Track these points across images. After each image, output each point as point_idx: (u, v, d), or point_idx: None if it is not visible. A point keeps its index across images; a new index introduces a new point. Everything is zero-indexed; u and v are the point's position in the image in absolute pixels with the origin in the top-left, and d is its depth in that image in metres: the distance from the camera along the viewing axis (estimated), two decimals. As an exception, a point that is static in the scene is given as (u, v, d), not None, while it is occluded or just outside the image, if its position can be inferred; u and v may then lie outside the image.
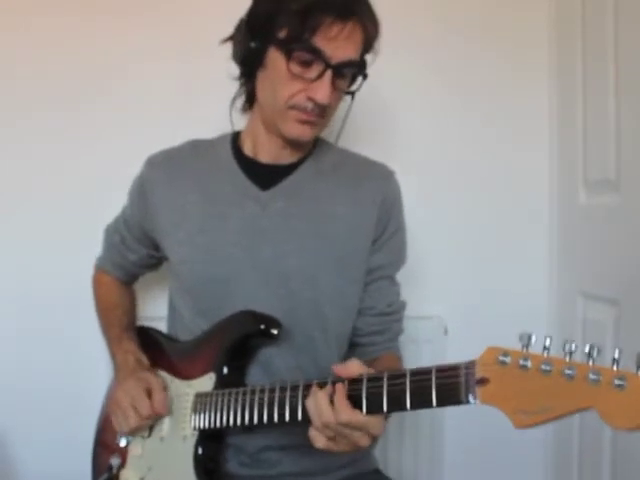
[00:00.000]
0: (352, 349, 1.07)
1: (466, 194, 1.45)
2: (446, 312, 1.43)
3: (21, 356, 1.38)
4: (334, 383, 0.79)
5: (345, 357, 1.06)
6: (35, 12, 1.34)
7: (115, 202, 1.16)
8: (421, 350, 1.36)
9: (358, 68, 0.96)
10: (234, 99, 1.04)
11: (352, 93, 0.99)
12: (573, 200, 1.38)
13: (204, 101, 1.32)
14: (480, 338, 1.40)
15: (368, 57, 0.98)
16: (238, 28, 0.96)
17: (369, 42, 0.95)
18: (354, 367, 0.79)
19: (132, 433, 0.98)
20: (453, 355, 1.41)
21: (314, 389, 0.79)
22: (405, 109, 1.42)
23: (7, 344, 1.37)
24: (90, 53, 1.36)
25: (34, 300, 1.36)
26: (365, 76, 0.98)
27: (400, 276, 1.10)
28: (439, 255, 1.43)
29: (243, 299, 0.98)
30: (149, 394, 0.95)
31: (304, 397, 0.81)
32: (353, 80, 0.98)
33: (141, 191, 1.07)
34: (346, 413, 0.75)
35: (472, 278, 1.45)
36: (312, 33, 0.88)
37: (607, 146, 1.23)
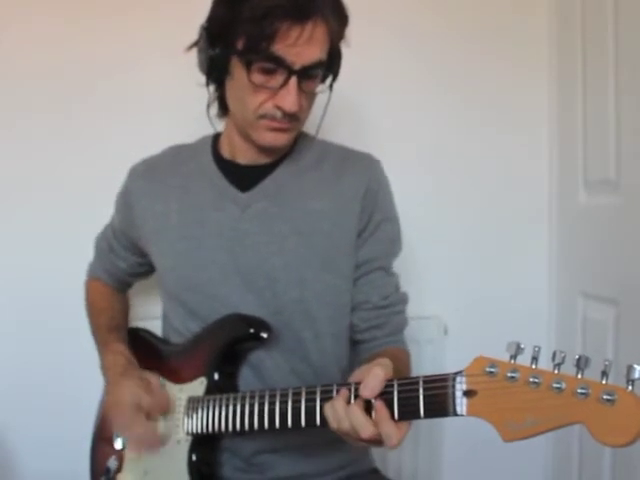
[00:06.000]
0: (354, 347, 1.05)
1: (466, 194, 1.45)
2: (446, 312, 1.43)
3: (21, 355, 1.37)
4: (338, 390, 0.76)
5: (348, 355, 1.05)
6: (35, 12, 1.34)
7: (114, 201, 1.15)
8: (421, 350, 1.36)
9: (327, 66, 0.91)
10: (209, 105, 1.01)
11: (330, 88, 0.95)
12: (573, 200, 1.38)
13: (204, 101, 1.31)
14: (480, 338, 1.40)
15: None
16: (200, 35, 0.92)
17: (336, 36, 0.91)
18: (375, 381, 0.73)
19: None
20: (453, 355, 1.43)
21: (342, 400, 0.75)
22: (405, 109, 1.41)
23: (7, 343, 1.37)
24: (90, 53, 1.35)
25: (34, 299, 1.36)
26: (335, 74, 0.94)
27: (400, 276, 1.09)
28: (439, 255, 1.43)
29: (230, 303, 0.97)
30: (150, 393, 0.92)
31: (294, 402, 0.80)
32: (325, 77, 0.95)
33: (125, 202, 1.08)
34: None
35: (472, 278, 1.45)
36: (270, 41, 0.83)
37: (607, 146, 1.23)
